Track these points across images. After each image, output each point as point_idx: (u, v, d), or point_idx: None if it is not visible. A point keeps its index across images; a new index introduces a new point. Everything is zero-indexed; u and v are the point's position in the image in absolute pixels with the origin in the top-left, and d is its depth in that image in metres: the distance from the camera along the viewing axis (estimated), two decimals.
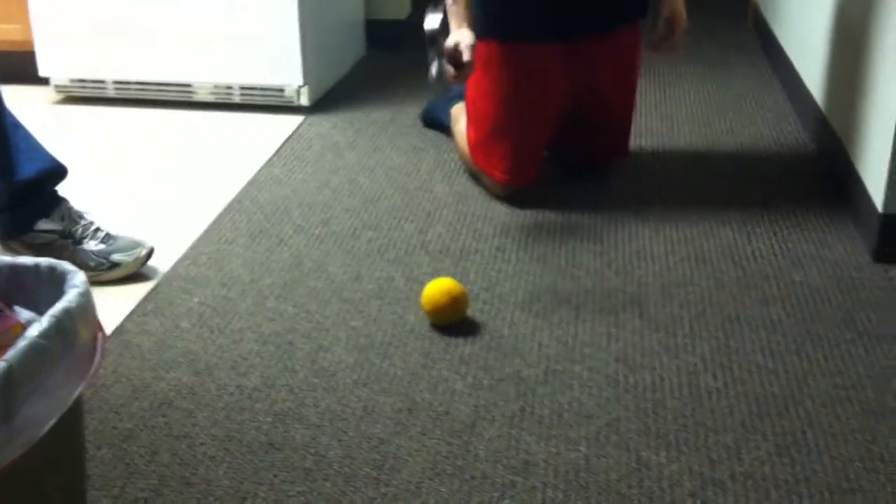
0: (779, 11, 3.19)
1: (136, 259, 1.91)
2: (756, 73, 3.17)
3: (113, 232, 1.95)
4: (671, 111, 2.84)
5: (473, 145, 2.28)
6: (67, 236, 1.92)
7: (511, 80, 2.17)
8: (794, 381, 1.56)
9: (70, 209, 1.95)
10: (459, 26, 1.99)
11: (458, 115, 2.43)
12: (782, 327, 1.72)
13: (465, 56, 1.90)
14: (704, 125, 2.72)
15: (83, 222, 1.94)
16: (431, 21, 1.92)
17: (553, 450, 1.41)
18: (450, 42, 1.93)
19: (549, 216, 2.16)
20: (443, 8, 1.98)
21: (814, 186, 2.31)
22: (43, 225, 1.91)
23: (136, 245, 1.92)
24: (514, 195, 2.23)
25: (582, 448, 1.41)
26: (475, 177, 2.30)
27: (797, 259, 1.96)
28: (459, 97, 2.47)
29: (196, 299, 1.82)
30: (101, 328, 1.06)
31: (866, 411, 1.49)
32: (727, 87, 3.05)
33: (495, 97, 2.19)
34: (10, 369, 0.89)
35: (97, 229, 1.94)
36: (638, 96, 2.94)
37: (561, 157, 2.42)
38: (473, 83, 2.20)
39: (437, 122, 2.66)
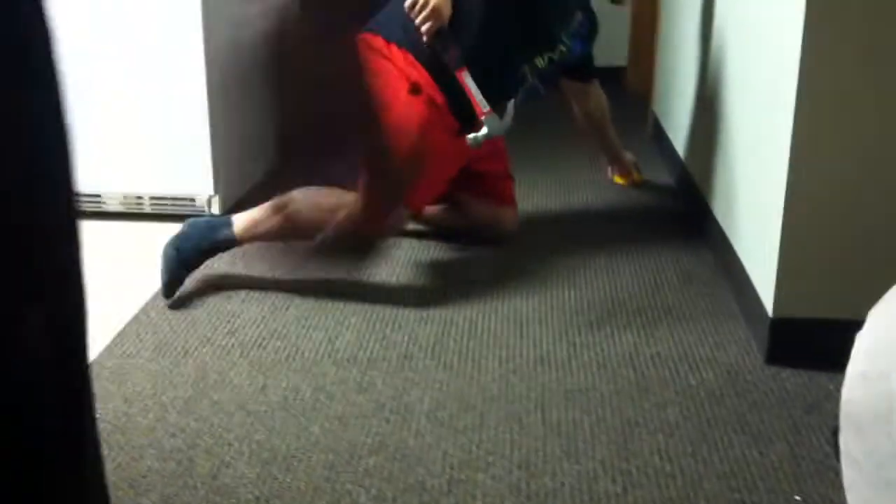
0: (671, 112, 3.35)
1: None
2: (654, 180, 3.30)
3: None
4: (568, 209, 2.93)
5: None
6: None
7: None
8: (689, 484, 1.60)
9: None
10: None
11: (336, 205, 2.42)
12: (679, 431, 1.76)
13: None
14: (605, 234, 2.81)
15: None
16: None
17: None
18: None
19: (456, 322, 2.20)
20: None
21: (710, 288, 2.39)
22: None
23: None
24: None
25: None
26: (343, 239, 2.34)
27: (694, 363, 2.02)
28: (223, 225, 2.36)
29: (97, 416, 1.79)
30: None
31: None
32: (627, 195, 3.16)
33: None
34: None
35: None
36: (524, 193, 3.04)
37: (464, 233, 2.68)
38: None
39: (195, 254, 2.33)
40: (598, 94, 3.02)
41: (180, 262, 2.30)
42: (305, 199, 2.39)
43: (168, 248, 2.31)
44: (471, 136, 2.27)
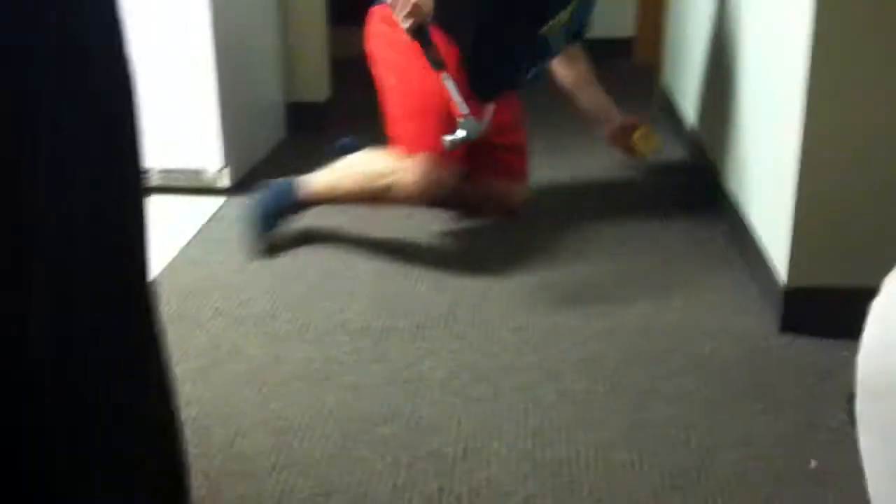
0: (681, 83, 3.32)
1: None
2: (663, 152, 3.27)
3: None
4: (579, 181, 2.92)
5: (402, 132, 2.35)
6: None
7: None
8: (704, 452, 1.60)
9: None
10: None
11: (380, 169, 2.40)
12: (693, 399, 1.76)
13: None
14: (616, 205, 2.80)
15: None
16: None
17: None
18: None
19: (467, 294, 2.19)
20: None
21: (723, 259, 2.38)
22: None
23: None
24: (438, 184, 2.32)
25: None
26: (381, 197, 2.35)
27: (707, 331, 2.01)
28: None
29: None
30: None
31: (776, 479, 1.53)
32: (638, 167, 3.14)
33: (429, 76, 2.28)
34: None
35: None
36: (532, 165, 3.03)
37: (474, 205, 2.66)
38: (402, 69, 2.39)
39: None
40: (572, 51, 2.88)
41: (261, 220, 2.42)
42: (366, 162, 2.41)
43: (250, 209, 2.43)
44: (447, 138, 2.24)
